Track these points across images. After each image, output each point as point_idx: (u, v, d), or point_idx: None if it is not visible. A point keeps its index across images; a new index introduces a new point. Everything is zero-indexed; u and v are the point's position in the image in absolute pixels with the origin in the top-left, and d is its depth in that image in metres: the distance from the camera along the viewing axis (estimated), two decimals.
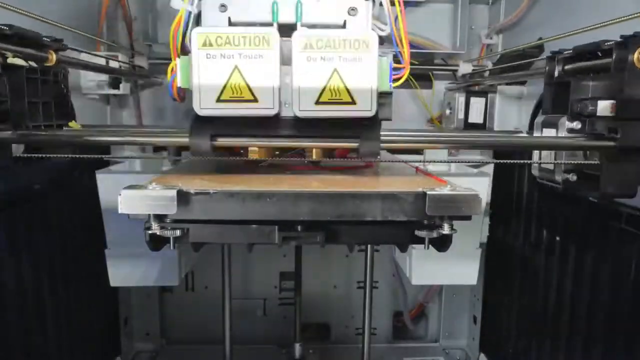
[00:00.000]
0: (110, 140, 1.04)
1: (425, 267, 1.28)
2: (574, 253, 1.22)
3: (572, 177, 0.96)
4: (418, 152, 1.27)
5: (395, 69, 0.84)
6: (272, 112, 0.80)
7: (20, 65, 0.86)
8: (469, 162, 1.42)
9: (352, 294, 1.99)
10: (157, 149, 1.53)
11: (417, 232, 0.81)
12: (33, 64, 0.90)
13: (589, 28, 0.98)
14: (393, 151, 1.28)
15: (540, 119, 1.03)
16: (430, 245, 0.83)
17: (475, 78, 1.67)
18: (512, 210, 1.54)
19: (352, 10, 0.89)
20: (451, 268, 1.26)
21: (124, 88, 1.54)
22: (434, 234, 0.80)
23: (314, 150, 0.90)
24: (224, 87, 0.78)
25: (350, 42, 0.78)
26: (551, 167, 1.01)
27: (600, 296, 1.12)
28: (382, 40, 0.91)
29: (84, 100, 1.49)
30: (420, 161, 1.16)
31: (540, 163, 1.04)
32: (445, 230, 0.78)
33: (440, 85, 1.77)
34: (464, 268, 1.28)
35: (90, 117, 1.53)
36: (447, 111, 1.68)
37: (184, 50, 0.84)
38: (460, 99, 1.59)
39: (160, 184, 0.76)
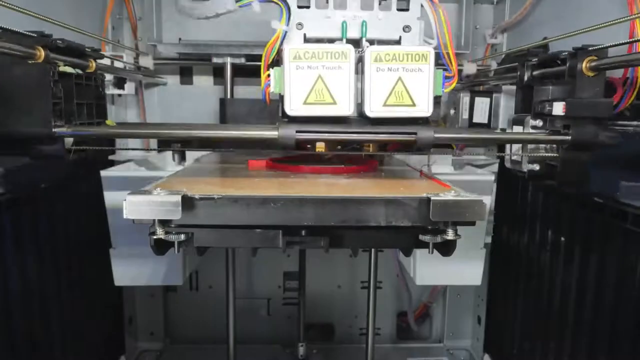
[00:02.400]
0: (153, 133, 1.13)
1: (429, 268, 1.28)
2: (579, 253, 1.22)
3: (535, 167, 1.12)
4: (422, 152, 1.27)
5: (446, 77, 1.00)
6: (349, 113, 0.94)
7: (69, 73, 1.02)
8: (472, 162, 1.42)
9: (356, 294, 1.99)
10: (162, 149, 1.53)
11: (421, 237, 0.82)
12: (79, 71, 1.07)
13: (592, 28, 0.99)
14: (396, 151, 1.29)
15: (511, 116, 1.19)
16: (434, 250, 0.84)
17: (479, 78, 1.66)
18: (516, 210, 1.54)
19: (407, 28, 1.10)
20: (455, 268, 1.26)
21: (129, 88, 1.55)
22: (438, 239, 0.81)
23: (371, 145, 1.07)
24: (310, 92, 0.92)
25: (412, 55, 0.92)
26: (519, 159, 1.18)
27: (605, 297, 1.11)
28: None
29: None
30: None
31: (511, 155, 1.22)
32: (450, 235, 0.79)
33: None
34: (468, 268, 1.28)
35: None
36: (452, 111, 1.68)
37: (273, 62, 1.02)
38: (465, 98, 1.59)
39: (164, 189, 0.77)
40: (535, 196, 1.46)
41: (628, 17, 0.96)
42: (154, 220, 0.76)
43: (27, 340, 1.17)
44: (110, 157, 1.45)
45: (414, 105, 0.93)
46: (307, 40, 1.11)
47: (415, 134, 0.95)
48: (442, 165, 1.33)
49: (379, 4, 1.09)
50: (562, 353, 1.28)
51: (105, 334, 1.68)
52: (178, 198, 0.74)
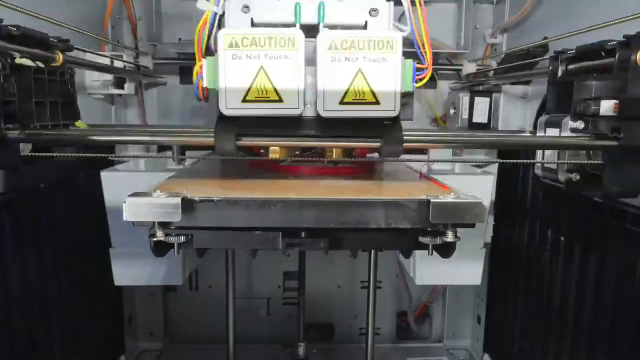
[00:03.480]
0: (123, 140, 1.08)
1: (429, 268, 1.28)
2: (579, 253, 1.22)
3: (575, 177, 0.96)
4: (422, 152, 1.27)
5: (418, 69, 0.85)
6: (298, 112, 0.80)
7: (28, 66, 0.87)
8: (473, 162, 1.42)
9: (356, 294, 1.99)
10: (162, 148, 1.53)
11: (421, 239, 0.82)
12: (40, 64, 0.91)
13: (593, 28, 0.98)
14: None
15: (544, 118, 1.03)
16: (434, 252, 0.84)
17: (479, 78, 1.66)
18: (516, 210, 1.54)
19: (374, 12, 0.90)
20: (455, 268, 1.26)
21: (129, 88, 1.55)
22: (438, 241, 0.80)
23: (334, 150, 0.91)
24: (250, 87, 0.79)
25: (375, 42, 0.78)
26: (554, 166, 1.01)
27: (605, 297, 1.11)
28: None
29: (89, 100, 1.49)
30: (425, 161, 1.17)
31: (543, 163, 1.05)
32: (449, 238, 0.78)
33: (444, 85, 1.77)
34: (468, 268, 1.27)
35: (95, 117, 1.54)
36: (452, 111, 1.68)
37: (208, 52, 0.86)
38: (465, 98, 1.59)
39: (164, 192, 0.76)
40: (535, 196, 1.46)
41: (633, 17, 0.94)
42: (154, 222, 0.75)
43: (27, 340, 1.17)
44: (111, 157, 1.45)
45: (377, 103, 0.80)
46: (255, 26, 0.90)
47: (381, 138, 0.82)
48: (441, 165, 1.33)
49: None
50: (562, 353, 1.28)
51: (105, 334, 1.68)
52: (178, 200, 0.73)
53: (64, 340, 1.33)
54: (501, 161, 1.42)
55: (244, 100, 0.79)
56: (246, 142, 0.83)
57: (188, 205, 0.75)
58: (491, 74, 1.62)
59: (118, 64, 1.46)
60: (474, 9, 1.73)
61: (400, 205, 0.77)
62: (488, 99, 1.57)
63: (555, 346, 1.32)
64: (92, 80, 1.46)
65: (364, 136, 0.84)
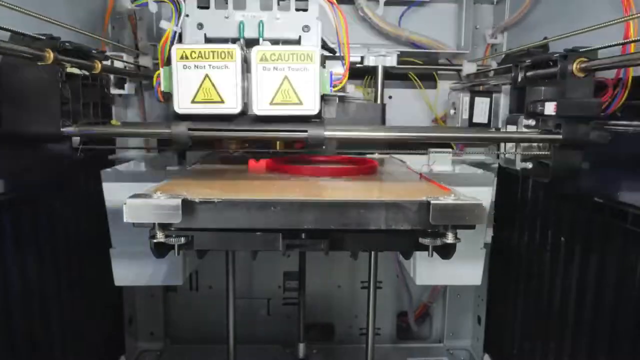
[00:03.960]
0: (145, 132, 1.25)
1: (429, 268, 1.28)
2: (579, 253, 1.22)
3: (528, 165, 1.17)
4: (423, 152, 1.27)
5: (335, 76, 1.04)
6: (236, 111, 0.96)
7: (76, 74, 1.05)
8: (472, 162, 1.42)
9: (356, 294, 1.99)
10: (162, 149, 1.53)
11: (421, 240, 0.82)
12: (85, 72, 1.10)
13: (593, 28, 0.99)
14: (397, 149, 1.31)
15: (505, 116, 1.24)
16: (434, 253, 0.85)
17: (479, 78, 1.66)
18: (516, 210, 1.54)
19: (306, 27, 1.11)
20: (455, 268, 1.26)
21: (129, 88, 1.55)
22: (438, 242, 0.81)
23: (277, 143, 1.15)
24: (197, 91, 0.95)
25: (297, 55, 0.95)
26: (513, 157, 1.23)
27: (605, 297, 1.11)
28: (335, 51, 1.15)
29: None
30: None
31: (505, 153, 1.28)
32: (449, 239, 0.79)
33: (444, 85, 1.77)
34: (468, 268, 1.28)
35: None
36: (452, 111, 1.67)
37: (169, 61, 1.01)
38: (465, 98, 1.59)
39: (165, 193, 0.76)
40: (535, 196, 1.46)
41: (625, 18, 0.96)
42: (154, 223, 0.76)
43: (27, 340, 1.17)
44: (111, 157, 1.45)
45: (300, 103, 0.96)
46: (207, 40, 1.11)
47: (305, 131, 0.98)
48: (442, 165, 1.33)
49: (278, 4, 1.11)
50: (562, 353, 1.28)
51: (105, 334, 1.68)
52: (178, 202, 0.74)
53: (64, 340, 1.33)
54: (496, 157, 1.42)
55: (193, 101, 0.95)
56: (196, 133, 0.98)
57: (188, 206, 0.75)
58: (491, 74, 1.62)
59: (118, 64, 1.46)
60: (473, 9, 1.73)
61: (400, 206, 0.78)
62: (488, 99, 1.57)
63: (555, 346, 1.32)
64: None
65: (291, 130, 1.00)
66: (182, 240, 0.80)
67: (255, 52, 0.95)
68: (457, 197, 0.78)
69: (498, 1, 1.74)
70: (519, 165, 1.19)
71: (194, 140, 0.99)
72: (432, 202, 0.76)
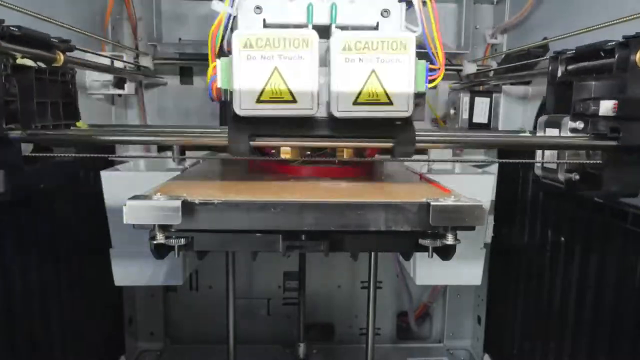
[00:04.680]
0: (125, 140, 1.09)
1: (429, 268, 1.28)
2: (579, 253, 1.22)
3: (575, 177, 0.96)
4: (422, 151, 1.27)
5: (430, 70, 0.85)
6: (311, 113, 0.80)
7: (29, 66, 0.88)
8: (473, 162, 1.42)
9: (356, 294, 1.99)
10: (162, 148, 1.53)
11: (420, 241, 0.82)
12: (42, 64, 0.91)
13: (593, 28, 0.98)
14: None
15: (543, 118, 1.04)
16: (434, 254, 0.84)
17: (479, 78, 1.66)
18: (516, 210, 1.54)
19: (385, 12, 0.92)
20: (455, 268, 1.26)
21: (129, 88, 1.55)
22: (438, 243, 0.81)
23: (345, 151, 0.93)
24: (264, 88, 0.79)
25: (388, 43, 0.78)
26: (554, 166, 1.02)
27: (605, 297, 1.11)
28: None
29: (89, 100, 1.49)
30: (425, 160, 1.17)
31: (543, 162, 1.05)
32: (449, 240, 0.79)
33: (444, 85, 1.77)
34: (468, 268, 1.28)
35: (95, 117, 1.53)
36: (452, 111, 1.68)
37: (221, 52, 0.86)
38: (465, 98, 1.59)
39: (165, 194, 0.76)
40: (535, 196, 1.46)
41: (633, 16, 0.94)
42: (154, 225, 0.76)
43: (27, 340, 1.17)
44: (111, 157, 1.45)
45: (390, 103, 0.80)
46: (267, 26, 0.91)
47: (393, 138, 0.82)
48: (441, 165, 1.33)
49: None
50: (562, 353, 1.28)
51: (105, 334, 1.68)
52: (178, 203, 0.73)
53: (64, 340, 1.33)
54: (501, 161, 1.42)
55: (258, 101, 0.79)
56: (260, 142, 0.83)
57: (188, 207, 0.75)
58: (491, 74, 1.62)
59: (118, 64, 1.46)
60: (473, 9, 1.73)
61: (400, 207, 0.77)
62: (488, 99, 1.57)
63: (555, 346, 1.32)
64: (92, 80, 1.46)
65: (376, 136, 0.85)
66: (182, 241, 0.79)
67: (337, 40, 0.78)
68: (457, 199, 0.78)
69: (498, 1, 1.74)
70: (563, 176, 0.99)
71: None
72: (432, 203, 0.75)
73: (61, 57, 0.96)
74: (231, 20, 0.87)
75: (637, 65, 0.81)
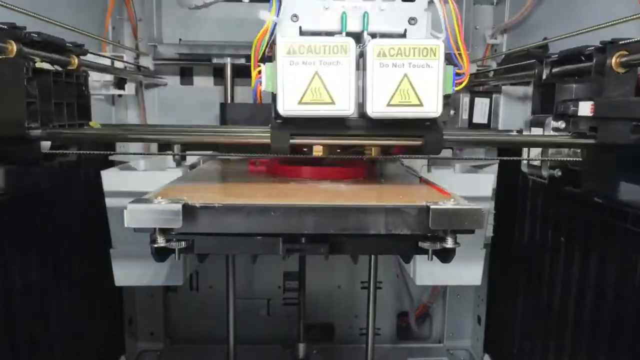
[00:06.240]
0: (139, 138, 1.12)
1: (429, 268, 1.28)
2: (579, 253, 1.22)
3: (557, 173, 1.03)
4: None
5: (457, 74, 0.92)
6: (349, 113, 0.86)
7: (47, 69, 0.94)
8: (472, 160, 1.42)
9: (356, 294, 1.99)
10: (162, 148, 1.53)
11: (420, 244, 0.82)
12: (58, 67, 0.98)
13: (593, 28, 0.99)
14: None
15: (529, 118, 1.09)
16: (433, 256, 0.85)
17: (479, 78, 1.66)
18: (516, 210, 1.54)
19: (412, 20, 0.99)
20: (455, 269, 1.25)
21: (129, 88, 1.55)
22: (437, 246, 0.81)
23: (373, 149, 1.00)
24: (305, 90, 0.85)
25: (419, 50, 0.85)
26: (539, 163, 1.09)
27: (605, 297, 1.11)
28: None
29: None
30: (424, 157, 1.17)
31: (529, 160, 1.12)
32: (449, 244, 0.79)
33: None
34: (468, 269, 1.28)
35: (95, 117, 1.53)
36: (452, 111, 1.68)
37: (263, 58, 0.94)
38: (465, 99, 1.59)
39: (165, 198, 0.77)
40: (535, 196, 1.46)
41: (632, 17, 0.94)
42: (155, 228, 0.76)
43: (27, 340, 1.17)
44: (111, 157, 1.45)
45: (421, 105, 0.85)
46: (302, 33, 0.98)
47: (422, 137, 0.89)
48: (441, 166, 1.33)
49: None
50: (562, 353, 1.28)
51: (105, 334, 1.69)
52: (179, 207, 0.74)
53: (64, 340, 1.33)
54: (494, 159, 1.42)
55: (300, 102, 0.85)
56: (300, 140, 0.89)
57: (189, 211, 0.75)
58: (491, 74, 1.62)
59: (118, 64, 1.46)
60: (473, 10, 1.73)
61: (400, 211, 0.78)
62: (488, 100, 1.58)
63: (556, 346, 1.32)
64: (92, 80, 1.46)
65: (407, 135, 0.91)
66: (183, 244, 0.80)
67: (372, 47, 0.85)
68: (456, 202, 0.78)
69: (498, 2, 1.74)
70: (547, 172, 1.07)
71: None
72: (431, 207, 0.76)
73: (75, 61, 1.02)
74: (276, 28, 0.95)
75: (613, 69, 0.87)
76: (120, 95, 1.64)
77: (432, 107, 0.86)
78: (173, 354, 1.94)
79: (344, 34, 0.96)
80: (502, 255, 1.64)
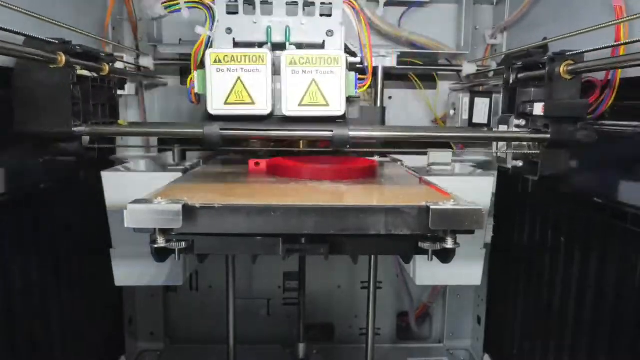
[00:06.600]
0: (156, 132, 1.36)
1: (429, 268, 1.27)
2: (579, 253, 1.22)
3: (519, 164, 1.22)
4: (423, 152, 1.27)
5: (360, 79, 1.12)
6: (266, 112, 1.04)
7: (86, 76, 1.10)
8: (471, 161, 1.42)
9: (356, 294, 1.99)
10: (162, 149, 1.53)
11: (420, 245, 0.83)
12: (94, 74, 1.15)
13: (593, 28, 0.99)
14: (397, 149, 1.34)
15: (497, 117, 1.28)
16: (433, 257, 0.85)
17: (479, 78, 1.66)
18: (516, 210, 1.54)
19: (330, 32, 1.16)
20: (455, 269, 1.25)
21: (129, 89, 1.55)
22: (437, 247, 0.81)
23: (300, 142, 1.21)
24: (230, 93, 1.02)
25: (324, 59, 1.03)
26: (504, 155, 1.30)
27: (605, 297, 1.11)
28: (356, 54, 1.22)
29: None
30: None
31: (497, 152, 1.35)
32: (449, 244, 0.79)
33: (444, 86, 1.77)
34: (468, 269, 1.27)
35: None
36: (452, 112, 1.68)
37: (202, 64, 1.09)
38: (465, 99, 1.59)
39: (165, 198, 0.77)
40: (535, 196, 1.46)
41: (631, 17, 0.96)
42: (155, 228, 0.76)
43: (27, 340, 1.17)
44: (111, 157, 1.45)
45: (327, 105, 1.03)
46: (236, 44, 1.15)
47: (331, 131, 1.04)
48: (441, 166, 1.33)
49: (303, 10, 1.15)
50: (562, 353, 1.29)
51: (105, 334, 1.69)
52: (179, 207, 0.74)
53: (64, 340, 1.33)
54: (482, 155, 1.43)
55: (226, 103, 1.03)
56: (227, 132, 1.04)
57: (189, 211, 0.76)
58: (491, 74, 1.62)
59: (118, 64, 1.46)
60: (473, 10, 1.73)
61: (400, 211, 0.78)
62: (488, 100, 1.57)
63: (556, 346, 1.32)
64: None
65: (319, 130, 1.06)
66: (183, 244, 0.80)
67: (284, 57, 1.01)
68: (456, 202, 0.78)
69: (498, 2, 1.75)
70: (510, 163, 1.25)
71: (224, 140, 1.03)
72: (431, 207, 0.76)
73: (107, 68, 1.19)
74: (210, 41, 1.13)
75: (561, 76, 1.04)
76: (120, 96, 1.64)
77: (337, 107, 1.04)
78: (173, 354, 1.94)
79: (269, 44, 1.15)
80: (502, 255, 1.64)
